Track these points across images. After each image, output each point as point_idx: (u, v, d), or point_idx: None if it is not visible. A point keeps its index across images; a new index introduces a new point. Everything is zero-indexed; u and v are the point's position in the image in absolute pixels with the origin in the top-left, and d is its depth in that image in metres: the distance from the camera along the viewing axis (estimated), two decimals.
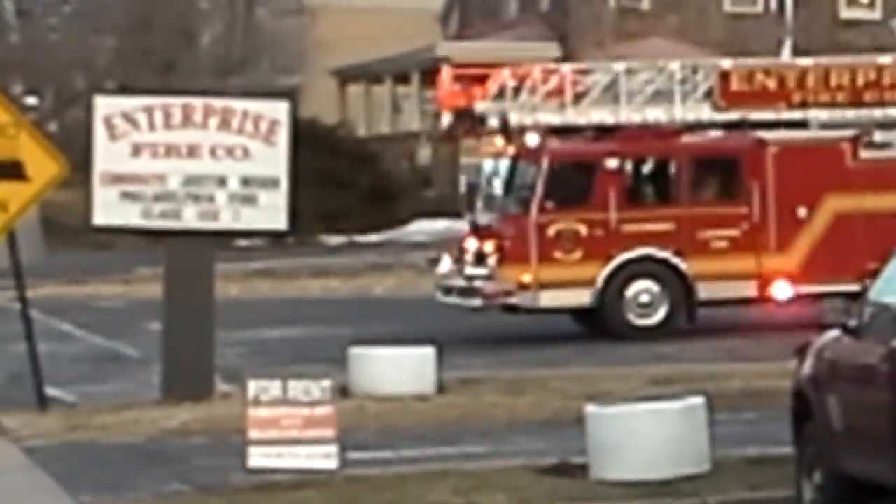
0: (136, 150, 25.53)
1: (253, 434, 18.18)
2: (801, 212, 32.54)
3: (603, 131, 33.11)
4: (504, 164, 33.54)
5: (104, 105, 25.90)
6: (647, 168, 32.76)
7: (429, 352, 26.35)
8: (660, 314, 31.62)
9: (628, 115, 33.62)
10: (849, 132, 33.85)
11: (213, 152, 25.98)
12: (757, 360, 26.91)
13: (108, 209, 25.41)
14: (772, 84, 35.05)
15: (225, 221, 26.42)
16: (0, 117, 16.23)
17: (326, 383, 18.15)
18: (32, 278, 30.62)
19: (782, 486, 16.38)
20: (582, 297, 31.34)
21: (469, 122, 33.96)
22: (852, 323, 14.07)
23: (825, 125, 34.35)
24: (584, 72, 35.59)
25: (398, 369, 25.96)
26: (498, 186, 33.07)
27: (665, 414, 18.76)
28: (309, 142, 34.29)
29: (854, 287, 28.16)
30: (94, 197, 25.22)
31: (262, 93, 31.57)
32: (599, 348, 31.49)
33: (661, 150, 33.26)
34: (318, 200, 61.13)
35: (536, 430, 21.87)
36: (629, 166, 32.59)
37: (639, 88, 33.90)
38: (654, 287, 31.28)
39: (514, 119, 32.85)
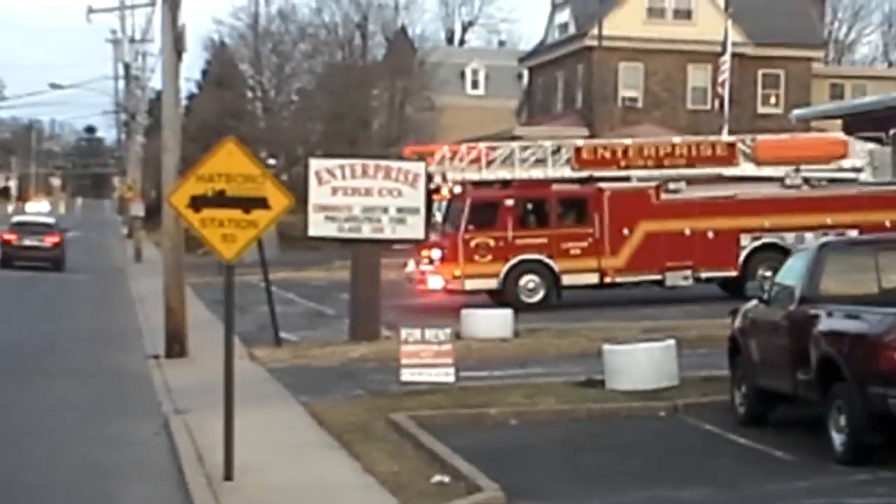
0: (334, 191, 32.64)
1: (403, 361, 22.98)
2: (625, 231, 41.58)
3: (504, 183, 42.51)
4: (444, 204, 42.61)
5: (315, 164, 34.52)
6: (530, 205, 42.71)
7: (509, 312, 33.84)
8: (540, 295, 41.28)
9: (519, 173, 43.59)
10: (653, 183, 43.81)
11: (380, 192, 32.33)
12: (706, 318, 33.04)
13: (317, 226, 33.13)
14: (607, 154, 45.36)
15: (387, 234, 33.44)
16: (254, 170, 17.75)
17: (448, 330, 23.10)
18: (272, 267, 38.44)
19: (722, 394, 21.44)
20: (491, 284, 40.40)
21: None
22: (765, 296, 19.59)
23: (640, 179, 44.30)
24: (493, 147, 45.40)
25: (490, 322, 33.01)
26: (440, 217, 41.52)
27: (651, 350, 23.60)
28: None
29: (657, 277, 43.62)
30: (309, 219, 33.36)
31: (409, 158, 38.62)
32: (609, 311, 39.12)
33: (539, 194, 43.33)
34: None
35: (573, 360, 27.25)
36: (519, 204, 41.94)
37: (526, 157, 43.90)
38: (536, 278, 40.71)
39: (449, 176, 41.66)
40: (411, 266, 42.96)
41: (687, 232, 41.21)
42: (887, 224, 40.90)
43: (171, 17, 29.81)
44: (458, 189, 40.36)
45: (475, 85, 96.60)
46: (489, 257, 39.12)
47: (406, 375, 22.73)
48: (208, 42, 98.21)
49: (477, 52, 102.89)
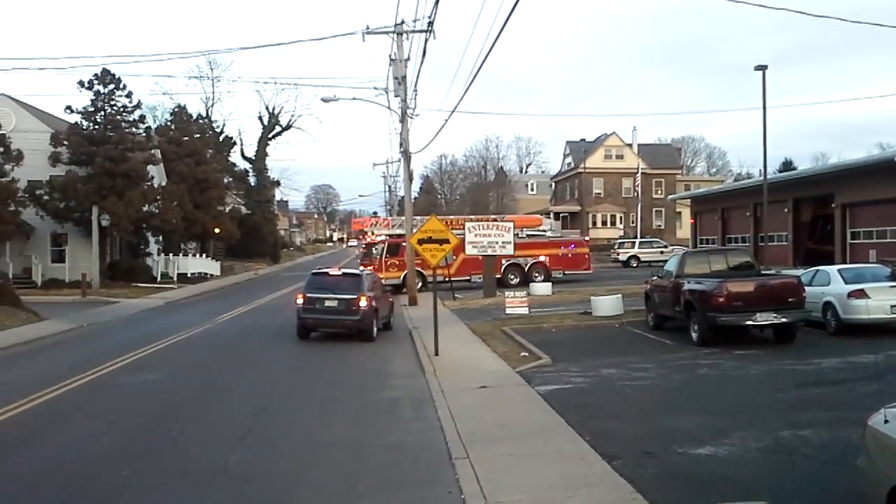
0: (475, 234, 29.78)
1: (507, 304, 22.49)
2: (455, 258, 34.13)
3: (399, 236, 35.95)
4: (372, 245, 37.43)
5: (468, 224, 31.23)
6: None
7: (549, 284, 30.97)
8: (419, 285, 32.37)
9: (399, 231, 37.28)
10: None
11: (494, 234, 29.51)
12: (634, 285, 28.23)
13: (469, 249, 29.79)
14: (446, 223, 41.62)
15: (499, 252, 30.01)
16: (442, 227, 16.99)
17: (524, 291, 22.66)
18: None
19: (641, 317, 20.44)
20: (397, 281, 33.68)
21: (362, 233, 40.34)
22: (660, 273, 19.38)
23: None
24: (391, 222, 41.94)
25: (542, 287, 30.00)
26: (375, 251, 36.49)
27: (611, 298, 22.26)
28: None
29: (467, 278, 35.59)
30: (466, 246, 29.63)
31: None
32: (592, 285, 33.25)
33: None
34: None
35: (578, 303, 24.80)
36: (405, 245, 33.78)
37: (400, 224, 38.08)
38: (417, 278, 32.12)
39: (374, 231, 38.98)
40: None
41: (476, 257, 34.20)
42: (560, 253, 38.12)
43: (406, 164, 30.17)
44: (379, 238, 37.35)
45: (531, 189, 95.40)
46: (396, 270, 34.64)
47: (508, 310, 22.86)
48: (423, 173, 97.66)
49: (531, 176, 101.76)
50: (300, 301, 19.42)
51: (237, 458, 8.95)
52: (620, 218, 75.22)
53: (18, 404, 11.73)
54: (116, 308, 29.22)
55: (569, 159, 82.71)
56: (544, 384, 12.53)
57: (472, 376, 13.57)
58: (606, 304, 21.72)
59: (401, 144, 30.26)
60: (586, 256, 38.83)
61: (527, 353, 15.65)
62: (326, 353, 18.30)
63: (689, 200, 55.20)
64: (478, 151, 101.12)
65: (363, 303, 18.91)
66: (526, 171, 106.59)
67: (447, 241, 16.89)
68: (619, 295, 22.73)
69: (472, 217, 41.04)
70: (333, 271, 20.89)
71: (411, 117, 29.37)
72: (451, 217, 42.90)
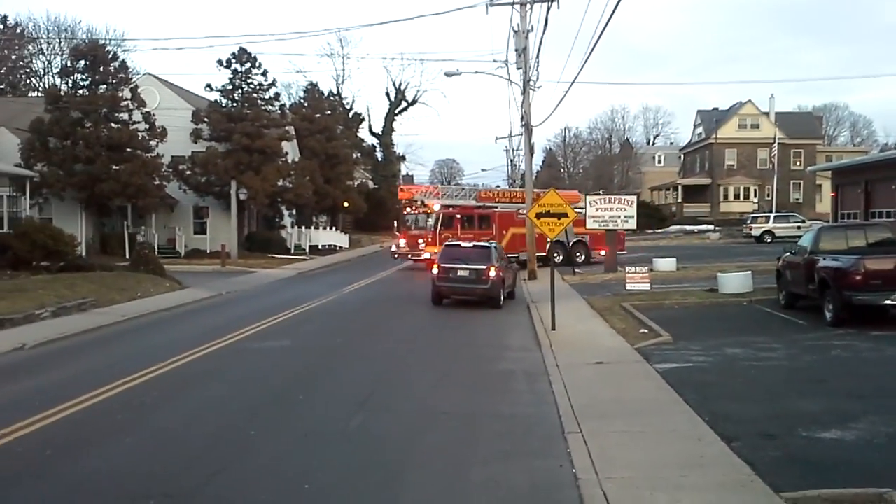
0: (597, 208, 29.44)
1: (627, 279, 21.92)
2: (504, 233, 33.73)
3: (449, 207, 35.09)
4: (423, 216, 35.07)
5: (589, 198, 31.14)
6: (465, 219, 34.08)
7: (674, 260, 28.93)
8: None
9: (457, 202, 36.31)
10: (514, 209, 35.42)
11: (617, 208, 29.07)
12: (766, 262, 25.79)
13: (590, 223, 29.62)
14: (493, 196, 38.23)
15: (620, 226, 29.81)
16: (561, 201, 16.74)
17: (646, 267, 22.00)
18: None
19: (773, 295, 19.54)
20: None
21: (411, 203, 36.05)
22: (793, 251, 18.51)
23: (503, 207, 36.51)
24: (440, 191, 38.04)
25: (666, 263, 28.39)
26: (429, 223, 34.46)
27: (740, 275, 21.43)
28: None
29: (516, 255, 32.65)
30: (587, 220, 29.51)
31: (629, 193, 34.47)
32: (720, 260, 31.82)
33: (468, 212, 34.93)
34: None
35: (703, 280, 24.00)
36: (460, 217, 34.15)
37: (457, 194, 37.29)
38: None
39: (425, 201, 35.49)
40: (395, 247, 36.63)
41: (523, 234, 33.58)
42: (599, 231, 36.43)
43: (528, 137, 29.90)
44: (435, 207, 34.69)
45: (659, 161, 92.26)
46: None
47: (629, 286, 22.22)
48: (545, 147, 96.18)
49: (659, 147, 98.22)
50: (435, 270, 21.24)
51: (357, 422, 9.31)
52: (754, 191, 72.02)
53: (158, 366, 12.53)
54: (252, 278, 30.39)
55: (699, 129, 79.71)
56: (663, 362, 12.24)
57: (589, 352, 13.48)
58: (734, 281, 20.90)
59: (522, 117, 29.97)
60: (622, 236, 36.56)
61: (646, 330, 15.34)
62: (445, 324, 18.63)
63: (829, 172, 51.89)
64: (602, 123, 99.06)
65: (492, 273, 20.45)
66: (653, 143, 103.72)
67: (565, 215, 16.78)
68: (749, 272, 21.76)
69: (505, 191, 41.01)
70: (465, 243, 22.71)
71: (533, 89, 29.10)
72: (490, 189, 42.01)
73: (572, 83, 40.94)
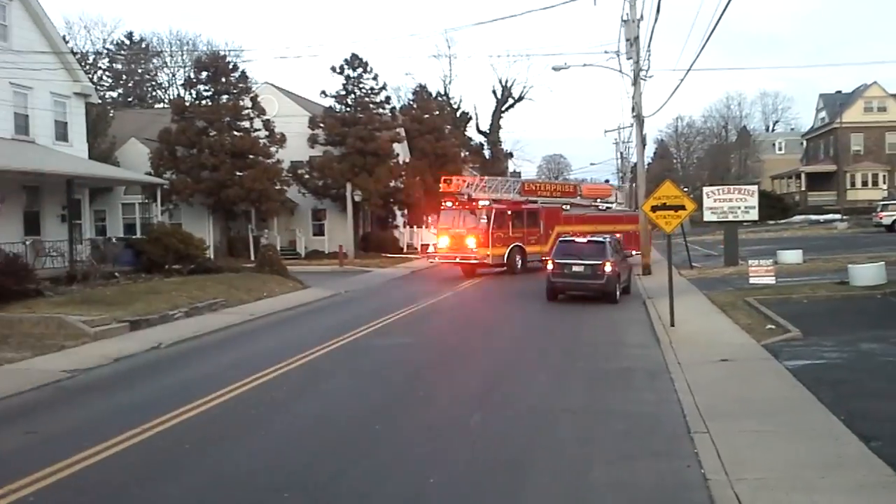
0: (714, 199, 28.34)
1: (750, 273, 20.98)
2: (550, 233, 31.17)
3: (507, 202, 30.76)
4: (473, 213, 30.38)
5: (706, 189, 29.81)
6: (514, 215, 30.15)
7: (800, 252, 27.63)
8: (520, 264, 29.68)
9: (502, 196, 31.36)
10: (560, 204, 33.87)
11: (736, 199, 28.21)
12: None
13: (708, 215, 28.68)
14: (534, 188, 34.37)
15: (740, 218, 28.78)
16: (678, 193, 16.31)
17: (770, 259, 21.05)
18: (687, 236, 32.63)
19: None
20: (501, 259, 29.12)
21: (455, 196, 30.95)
22: None
23: (551, 202, 33.48)
24: (484, 184, 31.53)
25: (792, 256, 26.99)
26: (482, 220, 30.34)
27: (872, 266, 20.01)
28: None
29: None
30: (703, 212, 28.48)
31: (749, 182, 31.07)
32: (848, 252, 29.28)
33: (517, 207, 30.90)
34: None
35: (833, 272, 22.53)
36: (510, 213, 30.19)
37: (502, 186, 32.04)
38: (517, 255, 29.71)
39: (472, 194, 30.31)
40: (434, 247, 32.45)
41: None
42: (632, 229, 33.18)
43: (639, 128, 29.24)
44: (483, 203, 30.00)
45: (779, 148, 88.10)
46: (500, 244, 29.22)
47: (752, 280, 21.31)
48: (657, 138, 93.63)
49: (779, 134, 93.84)
50: (549, 266, 21.33)
51: (477, 418, 9.37)
52: (884, 177, 68.03)
53: (287, 363, 12.96)
54: (369, 277, 31.08)
55: (822, 114, 75.78)
56: (793, 359, 11.71)
57: (712, 348, 13.14)
58: (867, 273, 19.63)
59: (633, 108, 29.35)
60: (635, 236, 33.64)
61: (773, 326, 14.66)
62: (561, 320, 18.51)
63: None
64: (717, 111, 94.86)
65: (608, 268, 20.42)
66: (772, 130, 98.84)
67: (683, 208, 16.34)
68: (882, 262, 20.45)
69: (546, 183, 38.62)
70: (580, 238, 22.62)
71: (644, 79, 28.39)
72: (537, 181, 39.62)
73: (688, 71, 39.12)
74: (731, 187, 29.93)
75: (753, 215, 28.79)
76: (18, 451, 8.54)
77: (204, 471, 7.71)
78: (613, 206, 38.47)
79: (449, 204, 30.86)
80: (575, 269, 20.60)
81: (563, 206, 33.69)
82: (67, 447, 8.27)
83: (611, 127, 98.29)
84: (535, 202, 32.87)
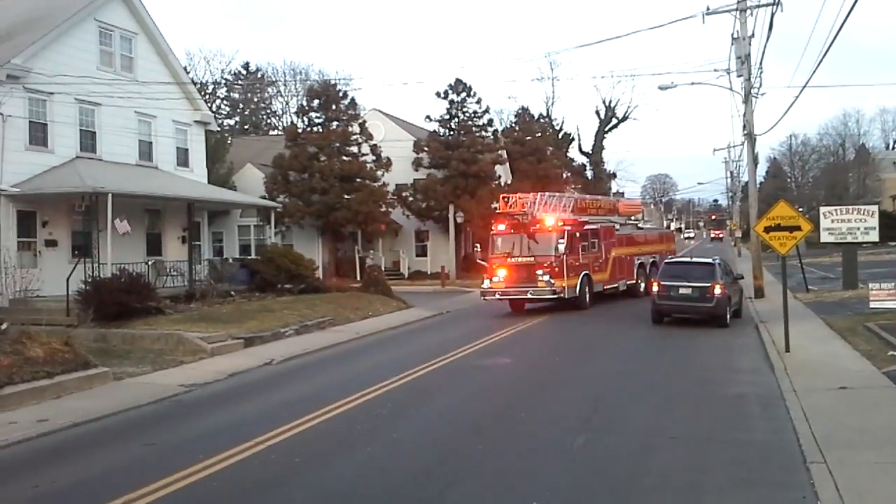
0: (832, 220, 26.63)
1: (871, 297, 19.22)
2: (608, 256, 26.39)
3: (566, 222, 24.64)
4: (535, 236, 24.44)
5: (823, 209, 27.69)
6: (580, 236, 24.82)
7: None
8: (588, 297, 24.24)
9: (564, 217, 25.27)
10: (610, 223, 27.69)
11: (856, 219, 26.58)
12: None
13: (825, 236, 27.14)
14: (585, 206, 27.53)
15: (860, 239, 26.81)
16: (793, 213, 15.77)
17: (893, 283, 19.16)
18: (803, 257, 30.73)
19: None
20: (574, 293, 23.64)
21: (511, 218, 25.06)
22: None
23: (604, 222, 27.76)
24: (555, 203, 25.71)
25: None
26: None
27: None
28: None
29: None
30: (820, 233, 26.96)
31: (868, 202, 27.42)
32: None
33: (579, 229, 25.05)
34: None
35: None
36: (579, 236, 24.62)
37: (559, 204, 25.64)
38: (587, 286, 24.11)
39: (536, 214, 24.67)
40: (488, 281, 24.69)
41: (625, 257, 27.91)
42: (668, 249, 32.23)
43: (751, 147, 28.12)
44: (549, 223, 24.19)
45: None
46: (572, 274, 23.53)
47: (873, 304, 19.79)
48: (769, 156, 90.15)
49: None
50: (655, 289, 20.70)
51: (581, 441, 9.23)
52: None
53: (392, 381, 13.19)
54: (470, 297, 30.75)
55: None
56: None
57: (829, 375, 12.56)
58: None
59: (744, 127, 28.42)
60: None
61: (895, 352, 14.29)
62: (667, 344, 18.03)
63: None
64: (834, 128, 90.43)
65: (717, 290, 19.71)
66: (893, 148, 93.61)
67: (798, 228, 15.69)
68: None
69: (595, 199, 31.14)
70: (686, 258, 22.75)
71: (755, 97, 27.44)
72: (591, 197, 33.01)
73: (803, 88, 37.76)
74: (850, 207, 28.41)
75: (874, 236, 27.12)
76: (137, 462, 8.95)
77: (313, 485, 7.89)
78: (649, 224, 34.16)
79: (501, 227, 25.04)
80: (682, 291, 19.94)
81: (615, 226, 28.60)
82: (183, 459, 8.63)
83: (720, 145, 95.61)
84: (597, 221, 27.75)
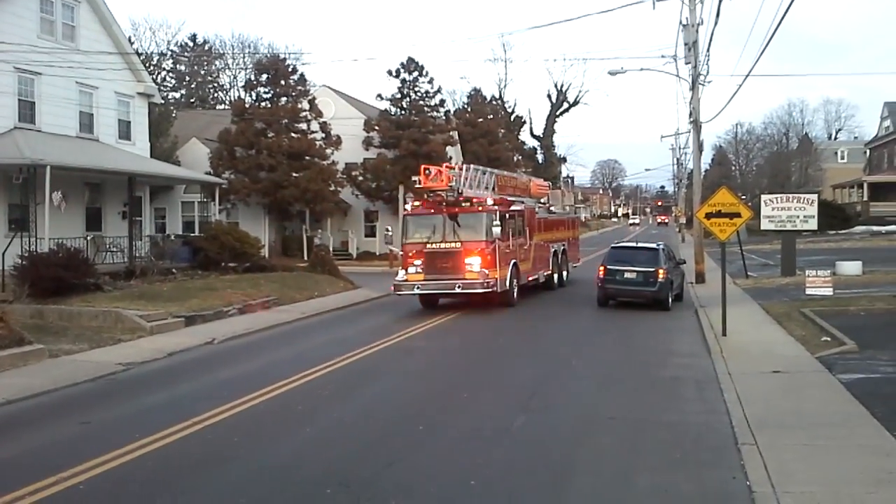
0: (772, 208, 27.20)
1: (807, 284, 20.04)
2: (531, 241, 23.15)
3: (498, 202, 21.10)
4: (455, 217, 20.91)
5: (763, 197, 28.42)
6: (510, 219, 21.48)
7: (859, 263, 26.40)
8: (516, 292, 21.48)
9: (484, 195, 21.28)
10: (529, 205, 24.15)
11: (794, 207, 27.05)
12: None
13: (765, 224, 27.30)
14: (504, 183, 23.04)
15: (798, 227, 27.38)
16: (734, 200, 15.84)
17: (828, 270, 20.28)
18: (743, 244, 30.41)
19: None
20: (506, 283, 20.68)
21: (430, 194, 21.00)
22: None
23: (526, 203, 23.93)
24: (469, 177, 21.16)
25: (851, 267, 25.74)
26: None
27: None
28: None
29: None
30: (761, 221, 27.24)
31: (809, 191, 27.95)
32: None
33: (507, 209, 21.43)
34: None
35: (892, 285, 21.88)
36: (508, 218, 21.40)
37: (482, 180, 21.72)
38: (515, 277, 21.24)
39: (463, 189, 20.57)
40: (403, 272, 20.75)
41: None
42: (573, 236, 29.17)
43: (696, 135, 28.55)
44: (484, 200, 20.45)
45: (842, 157, 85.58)
46: (501, 264, 20.53)
47: (809, 291, 20.54)
48: (715, 144, 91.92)
49: (842, 143, 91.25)
50: (601, 273, 21.03)
51: (520, 422, 9.37)
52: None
53: (334, 361, 13.15)
54: None
55: (887, 123, 73.75)
56: (848, 372, 11.38)
57: (764, 360, 12.86)
58: None
59: (690, 114, 28.81)
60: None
61: (829, 338, 14.29)
62: (610, 326, 18.35)
63: None
64: (779, 118, 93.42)
65: (661, 275, 20.24)
66: (835, 138, 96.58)
67: (738, 215, 15.96)
68: None
69: (515, 177, 26.83)
70: (629, 244, 23.32)
71: (702, 84, 27.84)
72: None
73: (746, 76, 38.50)
74: (791, 196, 28.97)
75: (813, 225, 27.80)
76: (72, 441, 8.84)
77: (250, 463, 7.83)
78: (553, 207, 28.71)
79: (417, 205, 21.11)
80: (627, 275, 20.50)
81: (535, 209, 25.05)
82: (119, 438, 8.51)
83: (667, 132, 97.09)
84: (521, 201, 23.90)
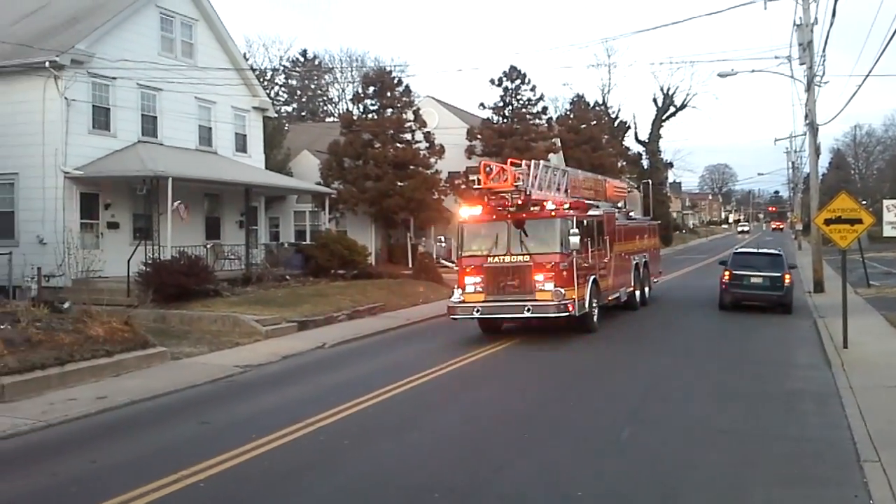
0: (891, 219, 26.62)
1: None
2: (610, 252, 19.54)
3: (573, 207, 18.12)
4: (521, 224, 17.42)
5: (886, 202, 27.56)
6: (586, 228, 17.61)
7: None
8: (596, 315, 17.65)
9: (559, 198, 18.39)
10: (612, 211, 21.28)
11: None
12: None
13: (887, 230, 26.73)
14: (578, 184, 20.24)
15: None
16: (855, 206, 15.21)
17: None
18: (865, 252, 28.03)
19: None
20: (584, 305, 16.79)
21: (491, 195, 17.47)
22: None
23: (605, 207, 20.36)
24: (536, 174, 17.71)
25: None
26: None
27: None
28: None
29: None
30: (883, 227, 26.90)
31: None
32: None
33: (584, 214, 18.09)
34: None
35: None
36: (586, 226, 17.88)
37: (554, 181, 18.67)
38: (595, 297, 16.96)
39: (533, 189, 17.11)
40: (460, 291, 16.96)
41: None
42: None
43: (813, 137, 27.40)
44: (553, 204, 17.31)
45: None
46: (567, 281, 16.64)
47: None
48: (832, 147, 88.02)
49: None
50: (726, 277, 21.50)
51: (629, 433, 9.15)
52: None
53: (440, 367, 13.33)
54: None
55: None
56: None
57: (888, 373, 12.25)
58: None
59: (806, 116, 27.65)
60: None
61: None
62: (724, 335, 17.88)
63: None
64: None
65: (787, 280, 21.05)
66: None
67: (860, 221, 15.27)
68: None
69: (591, 177, 23.19)
70: (754, 250, 24.18)
71: (818, 85, 26.67)
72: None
73: (866, 77, 36.57)
74: None
75: None
76: (192, 441, 9.23)
77: (359, 466, 7.95)
78: (633, 213, 26.29)
79: (477, 212, 17.28)
80: (753, 280, 21.21)
81: (615, 214, 21.75)
82: (237, 438, 8.83)
83: (781, 135, 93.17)
84: (596, 205, 20.45)
